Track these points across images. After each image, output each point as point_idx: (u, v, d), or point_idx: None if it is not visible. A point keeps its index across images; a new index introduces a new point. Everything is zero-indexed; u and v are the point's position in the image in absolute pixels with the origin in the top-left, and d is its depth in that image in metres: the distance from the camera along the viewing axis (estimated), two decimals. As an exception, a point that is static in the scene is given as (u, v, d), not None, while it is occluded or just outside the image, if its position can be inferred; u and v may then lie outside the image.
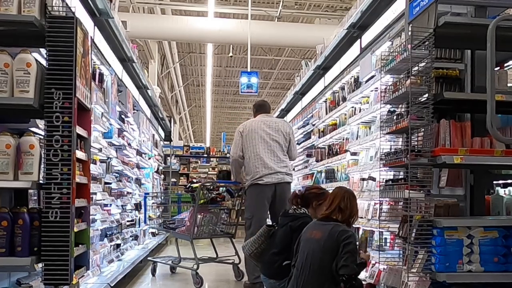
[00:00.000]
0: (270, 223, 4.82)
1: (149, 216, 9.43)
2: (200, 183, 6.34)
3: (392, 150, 3.72)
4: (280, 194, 5.44)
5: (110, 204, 6.14)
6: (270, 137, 5.56)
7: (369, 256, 3.69)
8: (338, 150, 6.53)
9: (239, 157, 5.63)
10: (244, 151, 5.59)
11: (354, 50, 5.84)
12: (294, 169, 9.55)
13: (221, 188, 6.45)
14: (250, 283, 5.47)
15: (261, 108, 5.89)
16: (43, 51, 3.33)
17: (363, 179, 5.17)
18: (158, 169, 11.72)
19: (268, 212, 5.62)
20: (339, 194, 3.66)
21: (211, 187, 6.35)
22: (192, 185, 6.44)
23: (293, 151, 5.75)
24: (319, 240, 3.49)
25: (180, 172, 16.08)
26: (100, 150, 5.33)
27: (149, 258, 6.98)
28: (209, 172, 16.30)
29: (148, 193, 8.74)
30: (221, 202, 6.50)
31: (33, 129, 3.51)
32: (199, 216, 6.16)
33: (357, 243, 3.68)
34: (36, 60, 3.16)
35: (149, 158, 10.00)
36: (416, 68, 3.42)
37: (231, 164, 5.95)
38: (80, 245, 3.48)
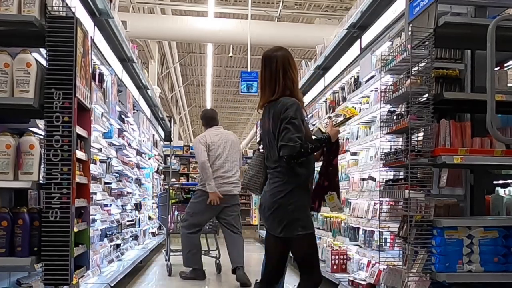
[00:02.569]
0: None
1: (149, 216, 9.51)
2: (177, 185, 7.46)
3: (392, 150, 3.71)
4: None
5: (110, 204, 6.15)
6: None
7: (337, 132, 3.08)
8: (338, 150, 6.51)
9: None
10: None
11: (354, 50, 5.83)
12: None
13: None
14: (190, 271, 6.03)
15: (213, 121, 6.23)
16: (43, 51, 3.33)
17: (363, 179, 5.16)
18: (158, 169, 11.72)
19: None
20: (263, 62, 3.00)
21: (188, 190, 7.11)
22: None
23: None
24: (269, 129, 2.99)
25: (180, 172, 16.05)
26: (100, 150, 5.33)
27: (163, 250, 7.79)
28: (209, 172, 16.24)
29: (162, 193, 8.94)
30: None
31: (33, 129, 3.51)
32: (176, 213, 7.01)
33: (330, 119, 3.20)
34: (36, 60, 3.16)
35: (149, 158, 10.01)
36: (416, 68, 3.41)
37: (204, 169, 5.92)
38: (80, 245, 3.48)
